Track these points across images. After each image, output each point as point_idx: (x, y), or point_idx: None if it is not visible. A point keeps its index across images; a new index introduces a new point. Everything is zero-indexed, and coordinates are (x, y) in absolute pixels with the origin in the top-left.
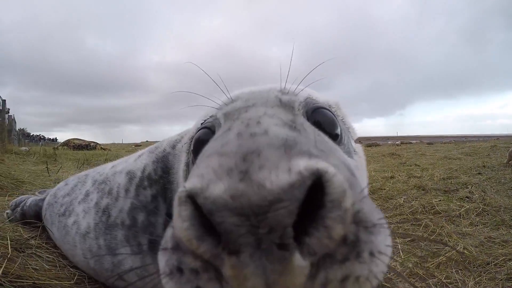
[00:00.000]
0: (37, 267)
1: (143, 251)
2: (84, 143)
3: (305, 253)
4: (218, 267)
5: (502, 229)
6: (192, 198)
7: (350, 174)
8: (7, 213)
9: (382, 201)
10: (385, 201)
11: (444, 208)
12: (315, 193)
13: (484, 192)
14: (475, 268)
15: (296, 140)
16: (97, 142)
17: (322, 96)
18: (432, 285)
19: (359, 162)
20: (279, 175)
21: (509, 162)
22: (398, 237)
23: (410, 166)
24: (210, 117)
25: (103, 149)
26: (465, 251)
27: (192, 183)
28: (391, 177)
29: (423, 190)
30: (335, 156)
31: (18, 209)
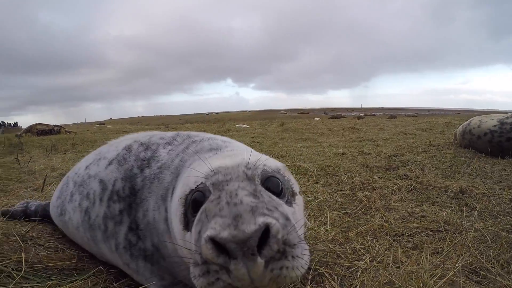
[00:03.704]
0: (44, 254)
1: (115, 252)
2: (48, 128)
3: (262, 256)
4: (228, 267)
5: (425, 205)
6: (212, 239)
7: (284, 220)
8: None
9: (328, 178)
10: (330, 177)
11: (380, 185)
12: (266, 233)
13: (422, 170)
14: (389, 238)
15: (257, 206)
16: (60, 124)
17: (273, 163)
18: (348, 249)
19: (296, 208)
20: (251, 227)
21: (455, 142)
22: (330, 210)
23: (365, 141)
24: (201, 183)
25: (68, 132)
26: (385, 224)
27: (211, 232)
28: (342, 154)
29: (366, 167)
30: (278, 211)
31: (18, 210)
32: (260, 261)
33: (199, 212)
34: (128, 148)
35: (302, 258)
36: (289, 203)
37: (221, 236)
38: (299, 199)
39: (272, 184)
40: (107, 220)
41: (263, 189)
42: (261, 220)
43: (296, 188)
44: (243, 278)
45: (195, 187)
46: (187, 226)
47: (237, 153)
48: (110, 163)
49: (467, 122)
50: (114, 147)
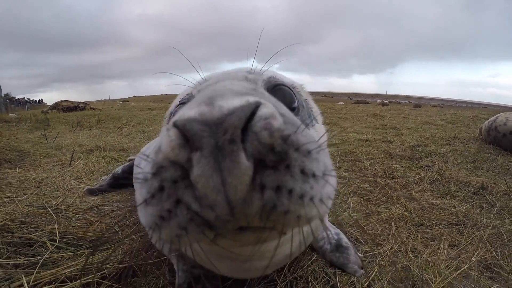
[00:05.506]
0: (75, 226)
1: None
2: (73, 105)
3: (247, 154)
4: (190, 171)
5: (445, 198)
6: (176, 125)
7: (291, 118)
8: (103, 179)
9: (351, 163)
10: (353, 163)
11: (402, 174)
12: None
13: (445, 162)
14: (408, 226)
15: (250, 93)
16: (85, 101)
17: (287, 78)
18: (368, 235)
19: (315, 135)
20: (234, 100)
21: (480, 137)
22: (353, 196)
23: (389, 129)
24: (187, 95)
25: (93, 109)
26: (405, 213)
27: (174, 119)
28: (366, 140)
29: (390, 155)
30: (285, 115)
31: (107, 178)
32: (245, 161)
33: None
34: None
35: (327, 181)
36: (306, 125)
37: (185, 117)
38: (321, 129)
39: (282, 94)
40: None
41: (267, 93)
42: (251, 98)
43: (318, 116)
44: (212, 196)
45: (180, 100)
46: None
47: None
48: None
49: (493, 118)
50: None
